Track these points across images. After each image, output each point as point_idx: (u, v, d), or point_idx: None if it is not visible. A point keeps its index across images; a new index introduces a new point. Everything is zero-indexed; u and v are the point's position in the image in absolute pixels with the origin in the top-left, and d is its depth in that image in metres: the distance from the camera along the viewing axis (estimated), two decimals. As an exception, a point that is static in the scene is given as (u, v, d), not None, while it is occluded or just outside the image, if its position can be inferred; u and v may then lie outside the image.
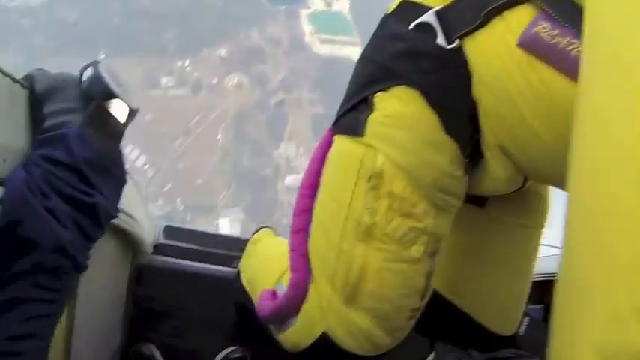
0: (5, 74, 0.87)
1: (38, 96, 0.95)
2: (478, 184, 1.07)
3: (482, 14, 0.87)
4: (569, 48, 0.79)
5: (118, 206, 1.04)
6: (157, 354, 2.19)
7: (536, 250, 1.32)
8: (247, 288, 1.68)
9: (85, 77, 1.00)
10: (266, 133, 30.70)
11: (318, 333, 1.12)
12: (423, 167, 0.97)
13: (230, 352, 2.13)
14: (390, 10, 1.05)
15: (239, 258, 2.19)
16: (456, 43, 0.93)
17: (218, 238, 2.59)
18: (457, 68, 0.94)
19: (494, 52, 0.88)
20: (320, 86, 32.08)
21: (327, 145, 1.14)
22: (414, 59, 0.97)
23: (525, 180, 1.07)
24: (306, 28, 33.13)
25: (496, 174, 1.02)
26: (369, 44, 1.10)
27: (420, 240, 0.99)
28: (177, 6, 32.06)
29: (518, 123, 0.89)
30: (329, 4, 34.52)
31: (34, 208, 0.78)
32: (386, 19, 1.06)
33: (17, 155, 0.85)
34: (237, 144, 30.14)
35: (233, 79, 31.03)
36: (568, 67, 0.79)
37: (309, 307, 1.13)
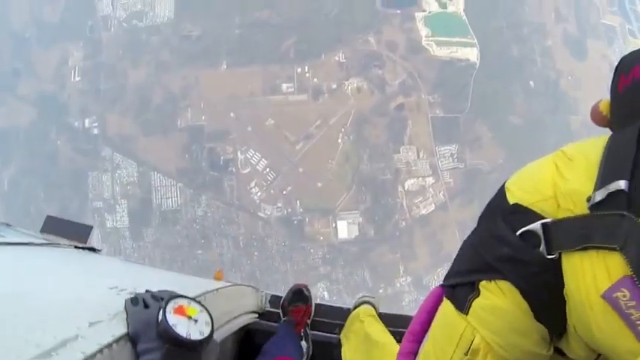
0: (102, 348, 1.11)
1: (132, 337, 1.20)
2: (562, 347, 1.21)
3: (584, 245, 1.00)
4: (639, 322, 0.90)
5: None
6: (311, 295, 2.83)
7: None
8: None
9: (159, 318, 1.20)
10: (386, 137, 30.56)
11: None
12: (510, 349, 1.16)
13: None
14: (503, 200, 1.20)
15: (341, 326, 2.81)
16: (556, 255, 1.07)
17: (321, 307, 3.12)
18: (554, 274, 1.07)
19: (584, 280, 1.01)
20: (439, 89, 31.59)
21: (436, 299, 1.38)
22: (517, 265, 1.12)
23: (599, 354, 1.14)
24: (423, 30, 32.75)
25: (575, 349, 1.16)
26: (477, 231, 1.30)
27: None
28: (295, 15, 32.74)
29: (588, 333, 1.06)
30: (444, 6, 33.83)
31: None
32: (496, 214, 1.21)
33: None
34: (358, 148, 30.23)
35: (352, 84, 31.18)
36: (635, 332, 0.91)
37: None
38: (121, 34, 33.67)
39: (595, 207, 1.01)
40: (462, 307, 1.22)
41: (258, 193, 29.57)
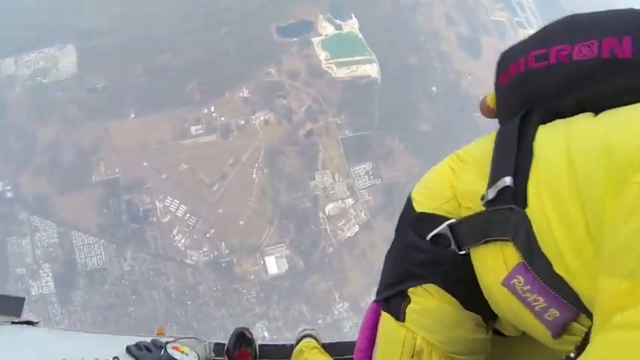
0: None
1: None
2: (498, 327, 1.32)
3: (485, 240, 1.10)
4: (535, 304, 0.98)
5: None
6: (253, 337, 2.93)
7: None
8: None
9: (163, 353, 1.61)
10: (300, 166, 30.77)
11: None
12: (451, 342, 1.24)
13: None
14: (411, 210, 1.31)
15: None
16: (466, 250, 1.18)
17: (264, 348, 3.10)
18: (468, 266, 1.18)
19: (487, 271, 1.12)
20: (344, 109, 32.06)
21: (375, 314, 1.44)
22: (434, 266, 1.23)
23: None
24: (321, 54, 33.32)
25: (507, 327, 1.27)
26: (394, 243, 1.39)
27: None
28: (195, 57, 32.75)
29: (503, 317, 1.18)
30: (339, 27, 34.57)
31: None
32: (406, 225, 1.33)
33: None
34: (273, 181, 30.31)
35: (259, 118, 31.39)
36: (534, 312, 0.99)
37: None
38: (26, 92, 32.64)
39: (489, 204, 1.10)
40: (399, 316, 1.29)
41: (182, 240, 29.12)
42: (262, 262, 29.14)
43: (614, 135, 0.89)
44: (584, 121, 1.03)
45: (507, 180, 1.06)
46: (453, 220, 1.20)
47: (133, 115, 31.58)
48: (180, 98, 31.79)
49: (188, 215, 29.46)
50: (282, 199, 30.09)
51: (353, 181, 30.88)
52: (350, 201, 30.53)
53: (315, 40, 33.68)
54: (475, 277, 1.18)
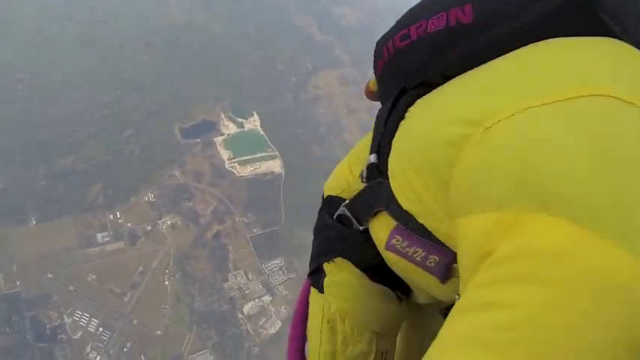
0: None
1: None
2: (412, 298, 1.56)
3: (373, 212, 1.31)
4: (415, 255, 1.16)
5: None
6: None
7: None
8: None
9: None
10: (211, 269, 32.87)
11: None
12: (361, 311, 1.48)
13: None
14: (324, 197, 1.62)
15: None
16: (365, 225, 1.39)
17: None
18: (371, 240, 1.38)
19: (379, 238, 1.30)
20: (251, 208, 35.04)
21: (307, 290, 1.66)
22: (342, 242, 1.49)
23: None
24: (224, 154, 36.49)
25: (418, 296, 1.47)
26: (317, 221, 1.63)
27: (369, 358, 1.49)
28: (98, 160, 34.65)
29: (401, 276, 1.35)
30: (241, 125, 38.21)
31: None
32: (322, 208, 1.61)
33: None
34: (187, 286, 32.07)
35: (166, 222, 33.67)
36: (417, 263, 1.17)
37: None
38: None
39: (366, 180, 1.31)
40: (319, 289, 1.52)
41: (97, 358, 29.26)
42: (186, 372, 30.16)
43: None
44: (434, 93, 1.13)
45: (371, 157, 1.25)
46: (347, 201, 1.44)
47: (34, 222, 32.30)
48: (83, 203, 33.29)
49: (101, 329, 29.80)
50: (197, 303, 31.69)
51: (268, 277, 33.33)
52: (267, 298, 32.82)
53: (218, 139, 36.94)
54: (377, 249, 1.36)
